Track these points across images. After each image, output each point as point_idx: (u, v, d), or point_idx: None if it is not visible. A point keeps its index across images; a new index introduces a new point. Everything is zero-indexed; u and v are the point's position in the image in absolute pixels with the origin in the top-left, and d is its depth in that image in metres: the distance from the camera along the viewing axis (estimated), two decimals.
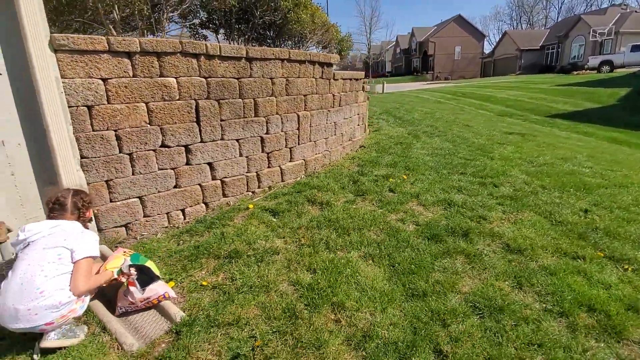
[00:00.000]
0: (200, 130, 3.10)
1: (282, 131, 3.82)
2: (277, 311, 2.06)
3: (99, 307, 2.05)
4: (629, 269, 2.44)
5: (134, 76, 2.68)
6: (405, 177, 4.22)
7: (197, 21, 5.36)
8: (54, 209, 1.96)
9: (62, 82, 2.38)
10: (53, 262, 1.78)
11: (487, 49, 43.30)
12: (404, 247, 2.73)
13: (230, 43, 5.34)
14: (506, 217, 3.23)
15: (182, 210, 3.15)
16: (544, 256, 2.59)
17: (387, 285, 2.31)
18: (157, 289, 2.07)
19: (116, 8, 3.52)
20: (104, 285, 2.04)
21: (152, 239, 2.89)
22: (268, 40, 6.58)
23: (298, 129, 4.01)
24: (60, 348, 1.77)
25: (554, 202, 3.50)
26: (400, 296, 2.20)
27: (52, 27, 3.75)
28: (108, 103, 2.60)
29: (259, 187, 3.72)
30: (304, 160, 4.19)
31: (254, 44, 5.54)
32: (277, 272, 2.43)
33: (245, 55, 3.26)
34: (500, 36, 40.06)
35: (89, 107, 2.53)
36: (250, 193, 3.65)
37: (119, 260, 2.14)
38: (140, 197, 2.87)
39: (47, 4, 2.82)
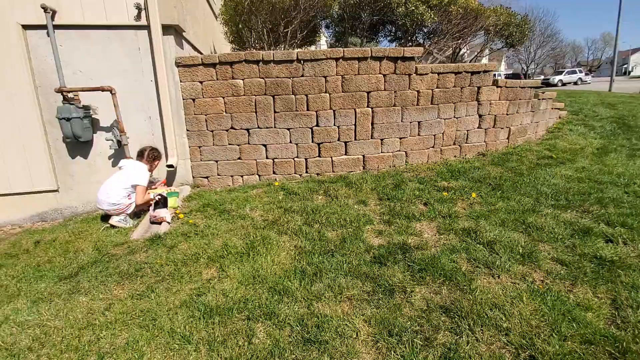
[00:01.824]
0: (256, 119, 4.08)
1: (334, 125, 4.12)
2: (237, 237, 2.80)
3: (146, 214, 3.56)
4: None
5: (216, 79, 4.00)
6: (474, 195, 3.41)
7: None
8: (138, 154, 3.60)
9: (180, 85, 4.03)
10: (124, 185, 3.38)
11: None
12: None
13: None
14: None
15: (242, 176, 4.29)
16: None
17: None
18: (162, 213, 3.33)
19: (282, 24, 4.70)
20: (150, 201, 3.51)
21: (215, 189, 4.22)
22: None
23: (355, 124, 4.13)
24: (115, 226, 3.37)
25: None
26: None
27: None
28: (202, 97, 4.06)
29: (306, 172, 4.26)
30: (362, 156, 4.25)
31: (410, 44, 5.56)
32: (239, 225, 3.10)
33: (296, 58, 3.87)
34: None
35: (193, 100, 4.08)
36: (297, 175, 4.28)
37: (160, 190, 3.56)
38: (216, 161, 4.24)
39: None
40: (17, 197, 3.91)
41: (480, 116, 4.58)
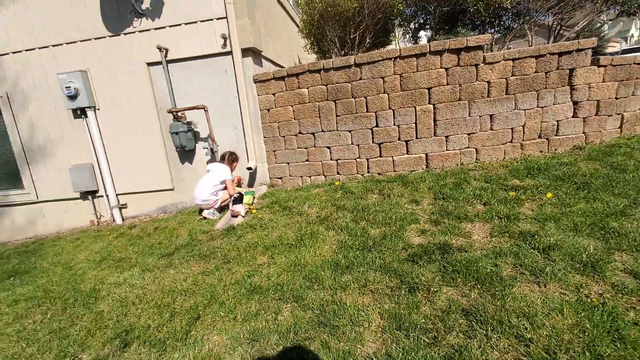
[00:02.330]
0: (320, 123, 4.41)
1: (393, 125, 4.13)
2: (291, 232, 3.29)
3: (225, 209, 4.28)
4: None
5: (285, 90, 4.50)
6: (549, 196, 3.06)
7: (414, 25, 5.75)
8: (220, 158, 4.35)
9: (257, 98, 4.68)
10: (213, 183, 4.16)
11: None
12: None
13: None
14: None
15: (309, 177, 4.69)
16: None
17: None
18: (238, 208, 3.96)
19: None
20: (232, 196, 4.21)
21: (286, 188, 4.73)
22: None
23: (415, 122, 4.06)
24: (206, 218, 4.17)
25: None
26: None
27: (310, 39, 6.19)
28: (275, 107, 4.62)
29: (367, 171, 4.39)
30: (425, 154, 4.14)
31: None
32: (296, 221, 3.50)
33: (353, 63, 4.05)
34: None
35: (268, 110, 4.68)
36: (360, 175, 4.44)
37: (239, 189, 4.24)
38: (288, 163, 4.76)
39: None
40: (150, 194, 5.16)
41: (575, 103, 3.90)
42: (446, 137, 4.05)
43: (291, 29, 6.92)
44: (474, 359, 1.66)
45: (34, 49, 4.76)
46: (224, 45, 4.44)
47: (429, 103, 4.00)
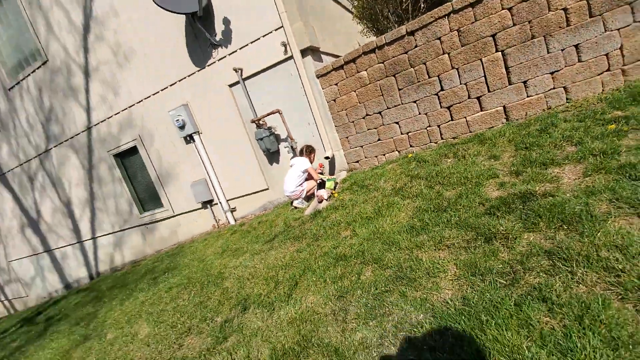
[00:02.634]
0: (384, 100, 4.50)
1: (460, 84, 3.95)
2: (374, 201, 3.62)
3: (312, 197, 4.73)
4: None
5: (346, 78, 4.72)
6: None
7: None
8: (300, 152, 4.81)
9: (323, 91, 5.02)
10: (297, 174, 4.67)
11: None
12: None
13: None
14: None
15: (384, 155, 4.81)
16: None
17: None
18: (321, 192, 4.36)
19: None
20: (317, 182, 4.64)
21: (364, 170, 4.94)
22: None
23: (485, 75, 3.81)
24: (297, 207, 4.69)
25: None
26: None
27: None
28: (340, 96, 4.89)
29: (441, 138, 4.28)
30: (503, 107, 3.85)
31: None
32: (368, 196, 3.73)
33: (405, 33, 4.03)
34: None
35: (334, 100, 4.97)
36: (433, 144, 4.36)
37: (322, 176, 4.64)
38: (361, 146, 4.97)
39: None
40: (251, 195, 6.00)
41: None
42: (524, 82, 3.69)
43: (346, 18, 7.07)
44: (555, 294, 1.63)
45: (149, 96, 6.05)
46: (285, 51, 4.89)
47: (496, 51, 3.70)
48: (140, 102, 6.16)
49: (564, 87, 3.58)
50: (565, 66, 3.52)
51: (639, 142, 2.47)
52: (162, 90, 5.91)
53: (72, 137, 7.07)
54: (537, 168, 2.76)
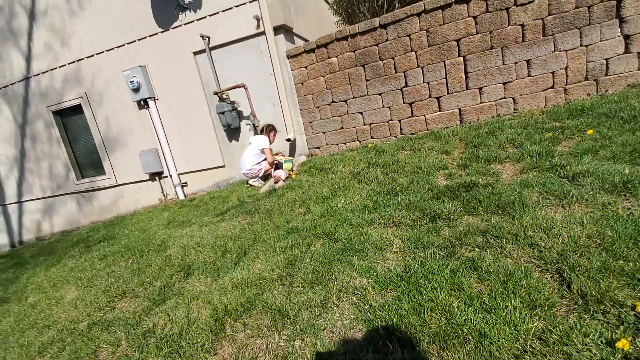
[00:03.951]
0: (351, 89, 4.58)
1: (423, 82, 4.15)
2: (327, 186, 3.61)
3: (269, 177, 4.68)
4: None
5: (316, 62, 4.72)
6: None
7: None
8: (261, 130, 4.73)
9: (292, 73, 4.97)
10: (255, 152, 4.57)
11: None
12: None
13: None
14: None
15: (345, 144, 4.90)
16: None
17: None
18: (279, 173, 4.32)
19: None
20: (272, 164, 4.59)
21: (323, 156, 4.99)
22: None
23: (445, 77, 4.04)
24: (252, 185, 4.61)
25: None
26: None
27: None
28: (308, 80, 4.88)
29: (400, 133, 4.46)
30: (458, 109, 4.11)
31: None
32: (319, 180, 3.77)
33: (378, 25, 4.13)
34: None
35: (302, 83, 4.95)
36: (393, 137, 4.53)
37: (279, 158, 4.60)
38: (324, 132, 5.01)
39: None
40: (205, 172, 5.77)
41: (626, 37, 3.57)
42: (479, 89, 3.97)
43: (322, 7, 7.08)
44: (486, 265, 1.77)
45: (102, 52, 5.56)
46: (258, 26, 4.77)
47: (459, 56, 3.94)
48: (91, 56, 5.65)
49: (513, 98, 3.91)
50: (516, 78, 3.85)
51: (571, 149, 2.78)
52: (118, 47, 5.47)
53: (7, 86, 6.29)
54: (482, 163, 2.99)
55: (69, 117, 6.28)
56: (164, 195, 6.10)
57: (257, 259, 2.58)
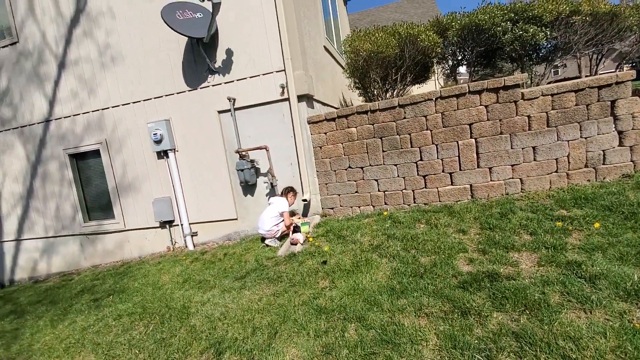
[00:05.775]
0: (368, 158, 4.86)
1: (437, 158, 4.46)
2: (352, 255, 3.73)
3: (287, 239, 4.80)
4: None
5: (336, 130, 5.04)
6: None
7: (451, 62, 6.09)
8: (280, 193, 4.92)
9: (311, 137, 5.26)
10: (274, 214, 4.72)
11: None
12: None
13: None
14: None
15: (359, 207, 5.10)
16: None
17: None
18: (297, 237, 4.45)
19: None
20: (290, 227, 4.73)
21: (338, 218, 5.16)
22: None
23: (458, 155, 4.36)
24: (269, 245, 4.71)
25: None
26: None
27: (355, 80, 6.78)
28: (326, 145, 5.17)
29: (414, 202, 4.70)
30: (469, 185, 4.39)
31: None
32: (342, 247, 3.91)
33: (397, 104, 4.50)
34: None
35: (320, 147, 5.23)
36: (406, 205, 4.76)
37: (296, 220, 4.75)
38: (338, 195, 5.22)
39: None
40: (217, 223, 5.85)
41: (620, 132, 3.99)
42: (489, 168, 4.29)
43: (336, 70, 7.60)
44: None
45: (128, 103, 5.80)
46: (282, 93, 5.12)
47: (471, 137, 4.29)
48: (116, 106, 5.87)
49: (520, 179, 4.23)
50: (523, 162, 4.19)
51: (582, 242, 3.02)
52: (144, 100, 5.72)
53: (24, 126, 6.40)
54: (500, 250, 3.19)
55: (84, 160, 6.37)
56: (172, 243, 6.10)
57: (290, 341, 2.64)
